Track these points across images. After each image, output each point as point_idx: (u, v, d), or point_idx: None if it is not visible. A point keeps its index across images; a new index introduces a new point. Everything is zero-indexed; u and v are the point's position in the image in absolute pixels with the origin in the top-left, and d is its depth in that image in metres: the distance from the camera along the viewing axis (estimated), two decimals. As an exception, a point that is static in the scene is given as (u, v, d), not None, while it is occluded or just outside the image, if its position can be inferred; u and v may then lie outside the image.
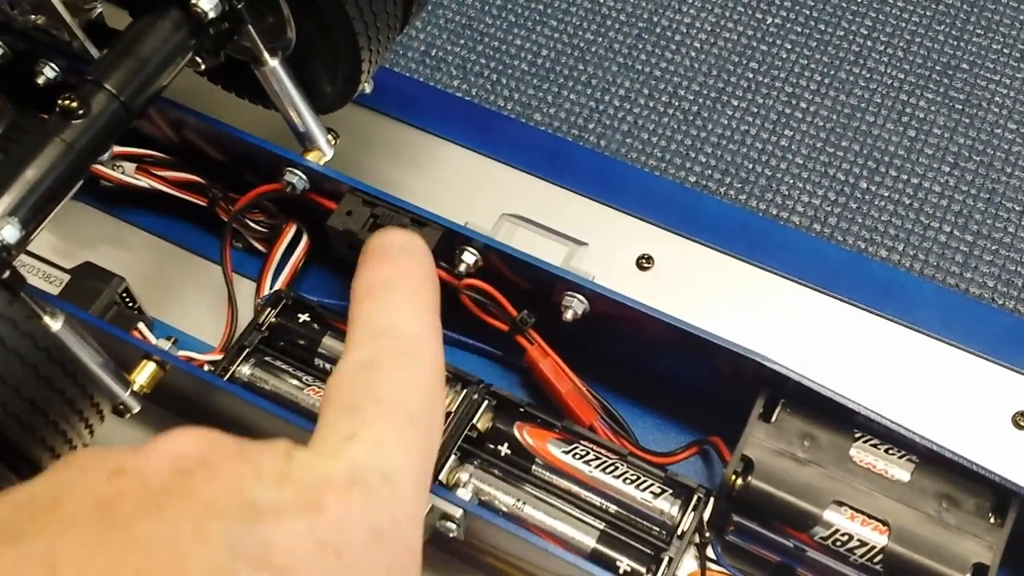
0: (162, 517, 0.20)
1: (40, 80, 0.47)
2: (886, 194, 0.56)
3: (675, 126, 0.58)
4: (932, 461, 0.38)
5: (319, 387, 0.44)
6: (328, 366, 0.45)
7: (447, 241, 0.42)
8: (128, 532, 0.20)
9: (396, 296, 0.26)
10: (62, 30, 0.44)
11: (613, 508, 0.41)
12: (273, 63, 0.42)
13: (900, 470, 0.38)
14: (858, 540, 0.37)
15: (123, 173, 0.49)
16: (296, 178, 0.44)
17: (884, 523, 0.37)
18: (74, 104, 0.38)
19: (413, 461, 0.23)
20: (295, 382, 0.44)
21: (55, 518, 0.21)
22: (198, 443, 0.22)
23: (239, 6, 0.40)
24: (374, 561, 0.21)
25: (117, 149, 0.48)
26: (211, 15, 0.40)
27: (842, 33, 0.62)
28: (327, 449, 0.23)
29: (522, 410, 0.43)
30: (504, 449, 0.42)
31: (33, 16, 0.45)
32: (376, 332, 0.25)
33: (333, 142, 0.46)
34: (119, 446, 0.22)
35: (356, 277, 0.27)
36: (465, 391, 0.43)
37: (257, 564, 0.20)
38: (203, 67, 0.43)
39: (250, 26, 0.41)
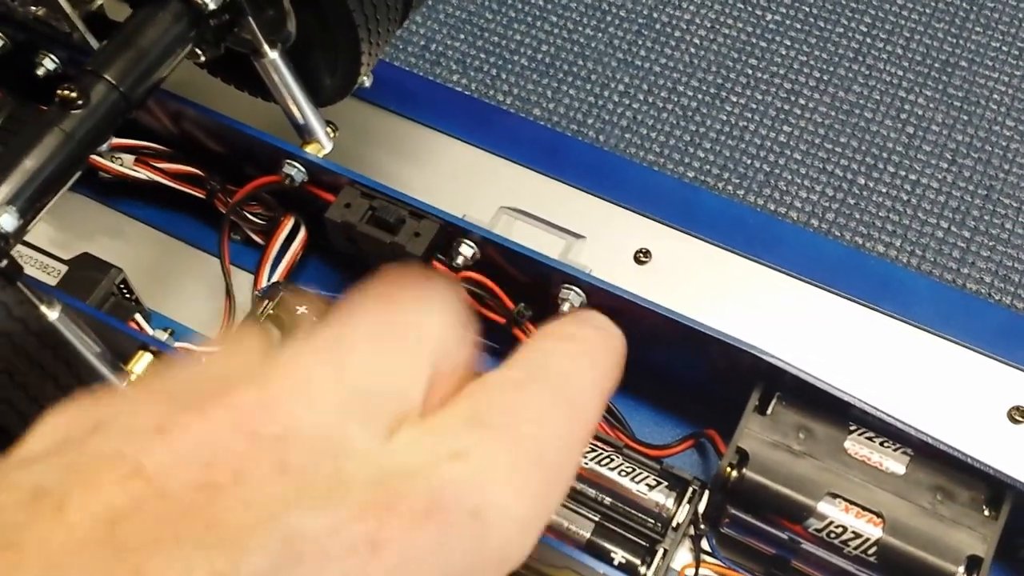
0: (178, 557, 0.17)
1: (40, 72, 0.47)
2: (884, 190, 0.56)
3: (674, 122, 0.59)
4: (927, 454, 0.38)
5: (316, 378, 0.44)
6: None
7: (445, 233, 0.42)
8: (137, 568, 0.17)
9: (579, 352, 0.22)
10: (62, 21, 0.44)
11: (608, 500, 0.41)
12: (273, 55, 0.42)
13: (895, 463, 0.38)
14: (852, 532, 0.37)
15: (122, 165, 0.49)
16: (295, 170, 0.45)
17: (878, 515, 0.37)
18: (73, 94, 0.38)
19: (523, 507, 0.19)
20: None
21: (59, 528, 0.18)
22: (235, 441, 0.18)
23: (239, -3, 0.40)
24: None
25: (116, 141, 0.48)
26: (211, 6, 0.40)
27: (841, 30, 0.62)
28: (424, 454, 0.18)
29: (519, 402, 0.43)
30: (500, 441, 0.42)
31: (33, 7, 0.45)
32: (541, 365, 0.21)
33: (332, 135, 0.46)
34: (145, 413, 0.19)
35: (551, 323, 0.23)
36: (462, 383, 0.43)
37: None
38: (203, 59, 0.44)
39: (250, 18, 0.41)
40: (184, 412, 0.18)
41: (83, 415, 0.20)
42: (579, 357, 0.22)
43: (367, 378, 0.20)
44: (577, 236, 0.50)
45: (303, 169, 0.45)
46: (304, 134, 0.46)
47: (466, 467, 0.18)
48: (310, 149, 0.45)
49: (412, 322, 0.21)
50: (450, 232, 0.42)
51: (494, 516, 0.18)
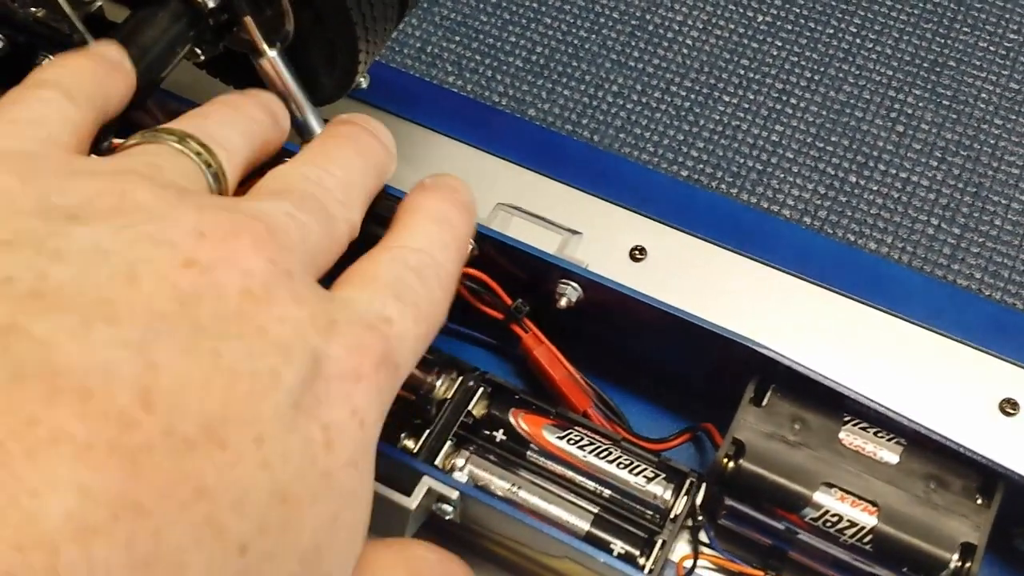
0: (245, 347, 0.20)
1: (40, 73, 0.47)
2: (875, 188, 0.56)
3: (667, 122, 0.59)
4: (920, 444, 0.39)
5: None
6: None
7: (443, 230, 0.43)
8: (216, 350, 0.20)
9: (451, 239, 0.28)
10: (62, 23, 0.45)
11: (607, 492, 0.42)
12: (272, 54, 0.43)
13: (889, 453, 0.39)
14: (848, 521, 0.38)
15: (122, 165, 0.50)
16: (294, 169, 0.45)
17: (873, 504, 0.38)
18: (75, 92, 0.38)
19: (414, 362, 0.25)
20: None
21: (141, 302, 0.20)
22: (259, 262, 0.22)
23: (238, -3, 0.41)
24: (373, 438, 0.23)
25: (116, 141, 0.48)
26: (210, 5, 0.40)
27: (831, 31, 0.63)
28: (369, 316, 0.24)
29: (517, 397, 0.44)
30: (499, 435, 0.43)
31: (33, 8, 0.46)
32: (429, 251, 0.27)
33: (330, 134, 0.47)
34: (179, 210, 0.22)
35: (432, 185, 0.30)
36: (461, 379, 0.44)
37: (309, 419, 0.21)
38: (202, 58, 0.44)
39: (249, 17, 0.41)
40: (218, 226, 0.22)
41: (100, 181, 0.22)
42: (451, 245, 0.28)
43: (317, 243, 0.25)
44: (573, 232, 0.50)
45: (302, 168, 0.45)
46: (303, 133, 0.46)
47: (394, 330, 0.24)
48: (309, 148, 0.46)
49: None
50: (448, 229, 0.43)
51: (404, 369, 0.25)
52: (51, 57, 0.48)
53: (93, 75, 0.29)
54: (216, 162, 0.26)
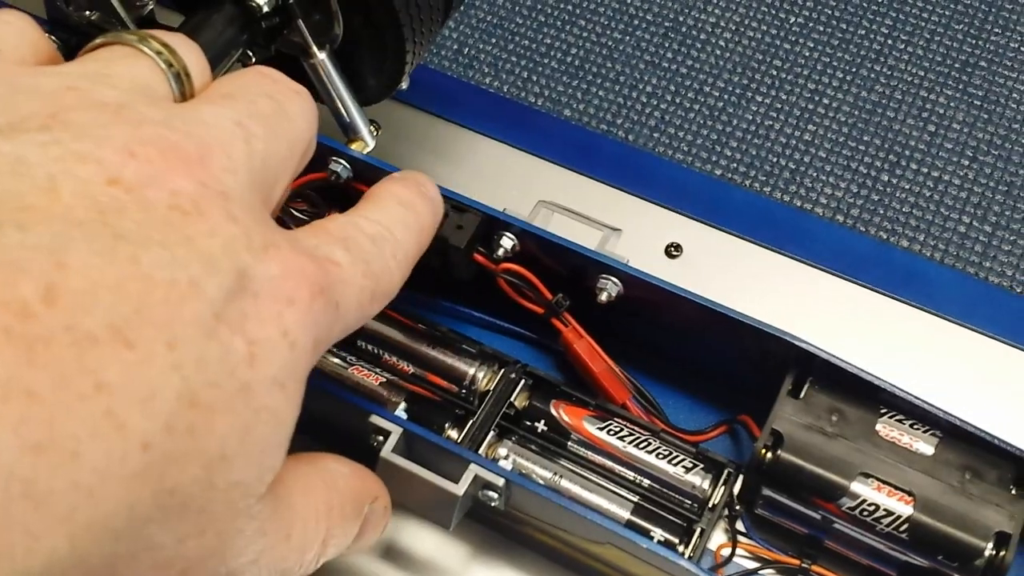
0: (167, 255, 0.20)
1: (94, 74, 0.49)
2: (907, 187, 0.57)
3: (701, 121, 0.60)
4: (955, 436, 0.40)
5: (362, 367, 0.46)
6: (370, 347, 0.47)
7: (486, 226, 0.44)
8: (134, 256, 0.20)
9: (414, 222, 0.30)
10: (115, 25, 0.46)
11: (646, 482, 0.43)
12: (321, 56, 0.44)
13: (924, 444, 0.40)
14: (884, 510, 0.38)
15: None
16: (340, 167, 0.46)
17: (909, 494, 0.38)
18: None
19: (356, 316, 0.26)
20: (338, 361, 0.46)
21: (59, 211, 0.20)
22: (189, 183, 0.22)
23: (291, 0, 0.42)
24: (304, 363, 0.23)
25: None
26: (264, 8, 0.42)
27: (863, 32, 0.64)
28: (314, 251, 0.24)
29: (558, 389, 0.45)
30: (541, 426, 0.44)
31: (87, 12, 0.47)
32: (389, 227, 0.28)
33: (375, 133, 0.48)
34: (110, 126, 0.22)
35: (401, 176, 0.32)
36: (503, 371, 0.45)
37: (233, 331, 0.21)
38: (253, 61, 0.45)
39: (300, 20, 0.43)
40: (150, 144, 0.22)
41: (38, 99, 0.22)
42: (413, 227, 0.29)
43: (267, 157, 0.25)
44: (613, 229, 0.51)
45: (348, 166, 0.46)
46: (349, 132, 0.47)
47: (340, 272, 0.25)
48: (355, 147, 0.47)
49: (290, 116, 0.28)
50: (491, 225, 0.44)
51: (344, 313, 0.25)
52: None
53: None
54: (179, 62, 0.25)
